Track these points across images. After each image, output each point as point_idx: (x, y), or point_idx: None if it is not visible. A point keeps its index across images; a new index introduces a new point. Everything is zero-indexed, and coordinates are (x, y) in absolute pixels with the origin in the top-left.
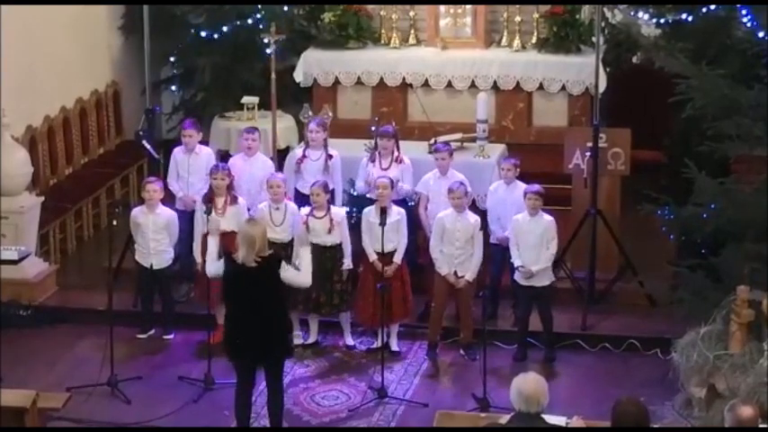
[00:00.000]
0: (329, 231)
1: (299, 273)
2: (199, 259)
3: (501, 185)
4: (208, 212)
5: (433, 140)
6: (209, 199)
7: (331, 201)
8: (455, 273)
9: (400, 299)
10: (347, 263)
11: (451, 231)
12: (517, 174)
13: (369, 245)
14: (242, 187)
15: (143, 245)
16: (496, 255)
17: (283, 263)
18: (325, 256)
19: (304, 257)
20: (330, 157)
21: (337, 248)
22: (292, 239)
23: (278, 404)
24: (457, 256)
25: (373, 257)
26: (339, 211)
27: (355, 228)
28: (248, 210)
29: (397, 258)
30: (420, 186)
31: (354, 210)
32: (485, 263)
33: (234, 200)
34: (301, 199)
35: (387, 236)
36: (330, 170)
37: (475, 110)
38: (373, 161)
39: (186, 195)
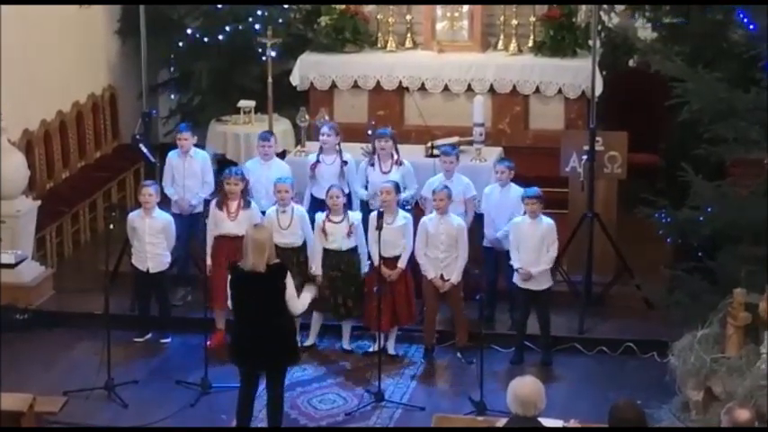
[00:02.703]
0: (348, 235)
1: (297, 299)
2: (209, 261)
3: (495, 188)
4: (205, 215)
5: (429, 144)
6: (219, 203)
7: (348, 205)
8: (441, 276)
9: (405, 303)
10: (366, 266)
11: (435, 235)
12: (511, 176)
13: (375, 250)
14: (260, 191)
15: (140, 249)
16: (490, 258)
17: (289, 276)
18: (344, 261)
19: (305, 296)
20: (345, 162)
21: (354, 253)
22: (303, 244)
23: (277, 410)
24: (442, 260)
25: (377, 261)
26: (356, 215)
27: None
28: (263, 213)
29: (402, 263)
30: (425, 190)
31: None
32: (480, 266)
33: (247, 204)
34: (317, 204)
35: (393, 240)
36: (345, 175)
37: (471, 113)
38: (373, 165)
39: (182, 199)
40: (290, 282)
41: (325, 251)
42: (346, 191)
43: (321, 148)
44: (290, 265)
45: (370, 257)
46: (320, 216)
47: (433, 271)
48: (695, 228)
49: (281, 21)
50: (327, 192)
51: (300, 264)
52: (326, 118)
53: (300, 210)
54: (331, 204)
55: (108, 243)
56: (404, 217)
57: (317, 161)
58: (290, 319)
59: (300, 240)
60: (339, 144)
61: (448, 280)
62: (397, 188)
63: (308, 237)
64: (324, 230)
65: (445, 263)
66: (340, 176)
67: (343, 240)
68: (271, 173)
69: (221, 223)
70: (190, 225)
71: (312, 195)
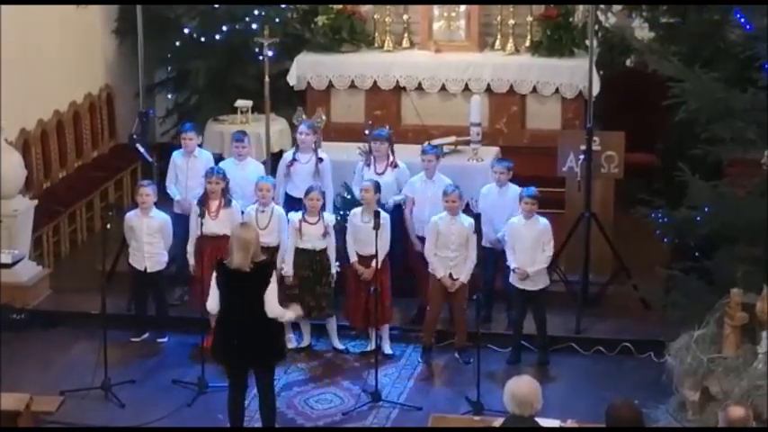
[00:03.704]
0: (323, 236)
1: (275, 300)
2: (192, 261)
3: (493, 188)
4: (201, 215)
5: (426, 143)
6: (202, 202)
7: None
8: (450, 275)
9: (379, 304)
10: (335, 267)
11: (446, 235)
12: (510, 177)
13: (351, 247)
14: (237, 192)
15: (137, 248)
16: (489, 258)
17: (274, 274)
18: (316, 261)
19: (289, 313)
20: (320, 160)
21: (325, 253)
22: (278, 245)
23: (270, 408)
24: (452, 259)
25: (354, 259)
26: (330, 217)
27: (344, 231)
28: (242, 213)
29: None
30: (406, 189)
31: (347, 213)
32: (478, 266)
33: (228, 203)
34: (291, 203)
35: (369, 239)
36: (320, 174)
37: (468, 113)
38: (369, 165)
39: (185, 199)
40: (273, 279)
41: (298, 250)
42: (323, 190)
43: (297, 147)
44: None
45: (339, 258)
46: (295, 216)
47: (442, 270)
48: (692, 228)
49: (277, 20)
50: (307, 193)
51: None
52: (323, 118)
53: (279, 210)
54: (310, 206)
55: (105, 243)
56: (382, 217)
57: (294, 159)
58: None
59: (276, 241)
60: (316, 143)
61: (456, 279)
62: (377, 188)
63: (283, 238)
64: (300, 230)
65: (454, 262)
66: (315, 175)
67: (318, 241)
68: (245, 173)
69: (203, 223)
70: (187, 225)
71: (286, 193)
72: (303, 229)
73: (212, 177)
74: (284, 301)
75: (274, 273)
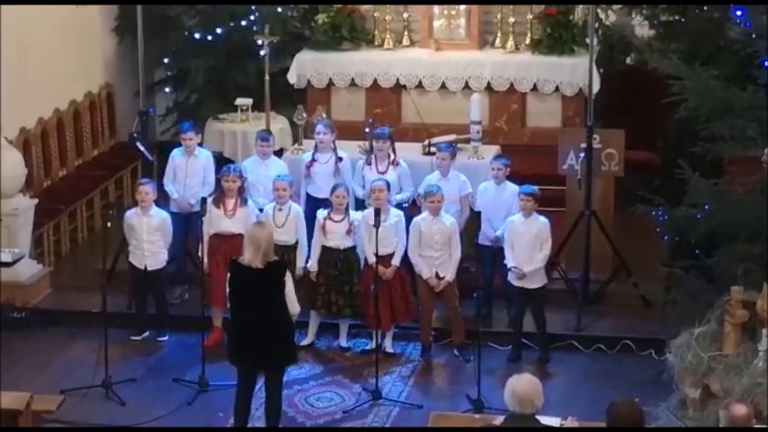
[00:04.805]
0: (348, 233)
1: (291, 297)
2: (205, 260)
3: (491, 185)
4: (202, 214)
5: (426, 142)
6: (216, 200)
7: None
8: (436, 274)
9: (401, 299)
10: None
11: (429, 235)
12: (507, 174)
13: (368, 248)
14: (259, 190)
15: (137, 247)
16: (487, 255)
17: (288, 274)
18: (341, 259)
19: (287, 287)
20: (340, 159)
21: (353, 252)
22: (295, 243)
23: (275, 409)
24: (436, 258)
25: (372, 260)
26: (356, 215)
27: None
28: (261, 211)
29: (396, 261)
30: (423, 188)
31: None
32: (476, 264)
33: (244, 202)
34: (313, 204)
35: (385, 238)
36: (341, 173)
37: (469, 111)
38: (370, 164)
39: (182, 198)
40: (289, 279)
41: (324, 249)
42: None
43: (316, 147)
44: None
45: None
46: (321, 213)
47: (427, 270)
48: (692, 225)
49: (277, 18)
50: (333, 191)
51: (293, 262)
52: (323, 116)
53: (297, 208)
54: (336, 203)
55: (105, 241)
56: (396, 215)
57: (313, 160)
58: (288, 318)
59: (294, 239)
60: (334, 141)
61: (443, 278)
62: (389, 186)
63: (301, 236)
64: (324, 228)
65: (439, 261)
66: (335, 174)
67: (342, 239)
68: (269, 171)
69: (218, 221)
70: (187, 223)
71: (308, 194)
72: (327, 226)
73: (229, 176)
74: (310, 300)
75: (288, 273)
